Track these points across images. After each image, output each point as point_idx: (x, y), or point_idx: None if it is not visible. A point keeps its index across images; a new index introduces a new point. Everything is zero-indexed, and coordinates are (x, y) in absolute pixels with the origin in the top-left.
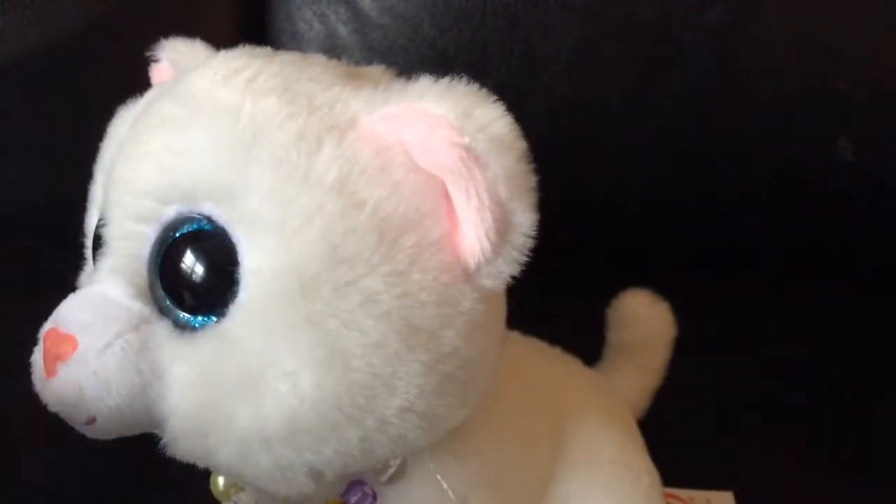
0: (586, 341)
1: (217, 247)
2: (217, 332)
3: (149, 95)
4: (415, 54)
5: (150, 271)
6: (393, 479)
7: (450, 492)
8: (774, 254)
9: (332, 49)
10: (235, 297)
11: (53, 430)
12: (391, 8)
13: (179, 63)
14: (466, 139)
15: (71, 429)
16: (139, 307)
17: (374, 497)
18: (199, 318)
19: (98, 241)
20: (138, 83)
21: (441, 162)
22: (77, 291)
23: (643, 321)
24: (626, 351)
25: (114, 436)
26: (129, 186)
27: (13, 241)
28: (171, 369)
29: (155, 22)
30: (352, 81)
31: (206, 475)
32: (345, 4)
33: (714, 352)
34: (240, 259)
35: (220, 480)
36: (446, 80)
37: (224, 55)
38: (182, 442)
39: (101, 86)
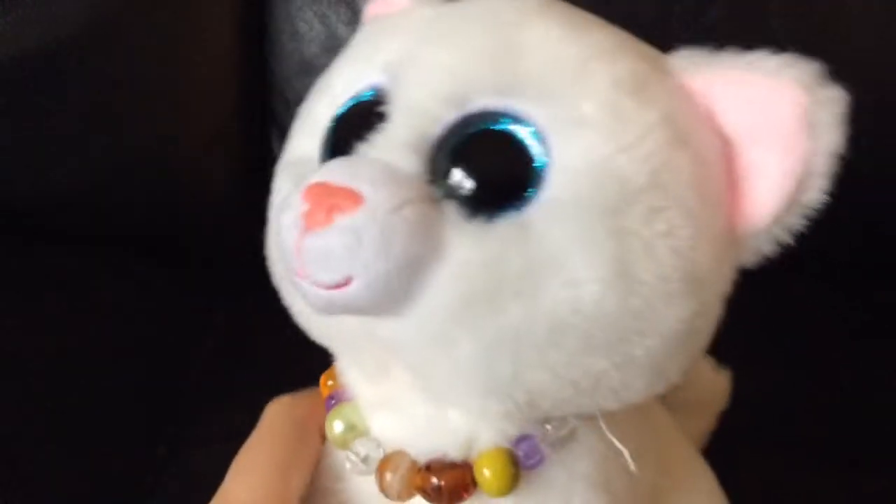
0: None
1: (529, 143)
2: (513, 224)
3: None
4: None
5: (450, 154)
6: (563, 442)
7: (627, 457)
8: (774, 254)
9: (333, 49)
10: (542, 193)
11: (54, 429)
12: None
13: None
14: (807, 105)
15: (72, 427)
16: (431, 184)
17: (543, 456)
18: (497, 207)
19: (366, 119)
20: (139, 83)
21: (768, 121)
22: (350, 157)
23: (704, 384)
24: (677, 411)
25: (345, 311)
26: (445, 70)
27: (13, 240)
28: (455, 251)
29: (155, 22)
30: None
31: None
32: (345, 5)
33: (714, 352)
34: (554, 158)
35: (337, 425)
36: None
37: None
38: (425, 327)
39: (101, 86)
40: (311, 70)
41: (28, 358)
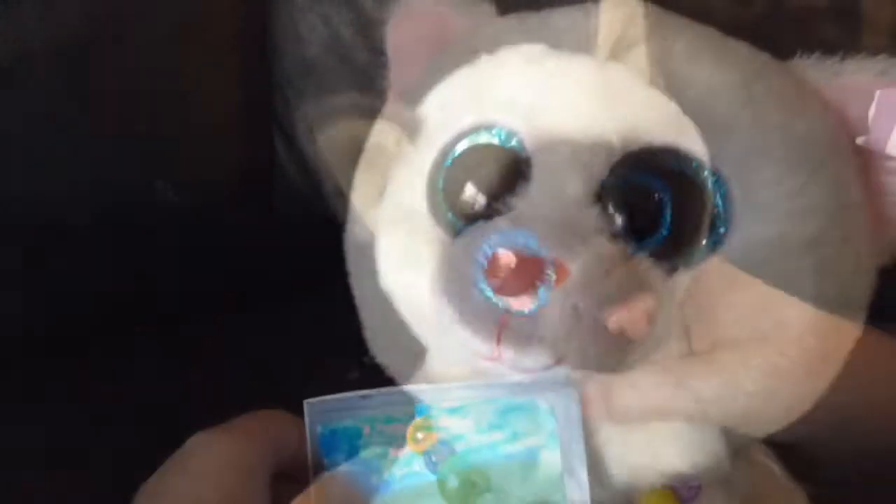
0: None
1: (710, 182)
2: (717, 269)
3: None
4: None
5: (628, 202)
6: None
7: (781, 477)
8: None
9: (336, 51)
10: (733, 233)
11: (53, 428)
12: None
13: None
14: None
15: (71, 427)
16: (617, 239)
17: (698, 488)
18: (688, 253)
19: (502, 165)
20: (139, 83)
21: None
22: (522, 216)
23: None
24: None
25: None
26: (601, 108)
27: (13, 240)
28: (664, 308)
29: (155, 23)
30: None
31: None
32: (347, 6)
33: None
34: (739, 195)
35: (452, 480)
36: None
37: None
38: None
39: (102, 86)
40: (313, 71)
41: (28, 358)
